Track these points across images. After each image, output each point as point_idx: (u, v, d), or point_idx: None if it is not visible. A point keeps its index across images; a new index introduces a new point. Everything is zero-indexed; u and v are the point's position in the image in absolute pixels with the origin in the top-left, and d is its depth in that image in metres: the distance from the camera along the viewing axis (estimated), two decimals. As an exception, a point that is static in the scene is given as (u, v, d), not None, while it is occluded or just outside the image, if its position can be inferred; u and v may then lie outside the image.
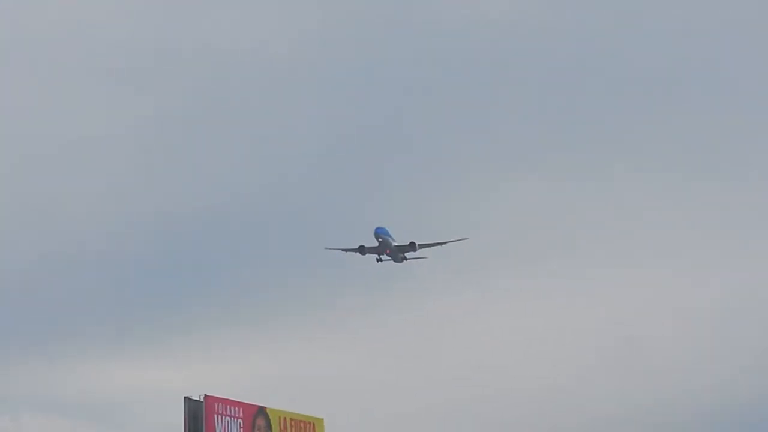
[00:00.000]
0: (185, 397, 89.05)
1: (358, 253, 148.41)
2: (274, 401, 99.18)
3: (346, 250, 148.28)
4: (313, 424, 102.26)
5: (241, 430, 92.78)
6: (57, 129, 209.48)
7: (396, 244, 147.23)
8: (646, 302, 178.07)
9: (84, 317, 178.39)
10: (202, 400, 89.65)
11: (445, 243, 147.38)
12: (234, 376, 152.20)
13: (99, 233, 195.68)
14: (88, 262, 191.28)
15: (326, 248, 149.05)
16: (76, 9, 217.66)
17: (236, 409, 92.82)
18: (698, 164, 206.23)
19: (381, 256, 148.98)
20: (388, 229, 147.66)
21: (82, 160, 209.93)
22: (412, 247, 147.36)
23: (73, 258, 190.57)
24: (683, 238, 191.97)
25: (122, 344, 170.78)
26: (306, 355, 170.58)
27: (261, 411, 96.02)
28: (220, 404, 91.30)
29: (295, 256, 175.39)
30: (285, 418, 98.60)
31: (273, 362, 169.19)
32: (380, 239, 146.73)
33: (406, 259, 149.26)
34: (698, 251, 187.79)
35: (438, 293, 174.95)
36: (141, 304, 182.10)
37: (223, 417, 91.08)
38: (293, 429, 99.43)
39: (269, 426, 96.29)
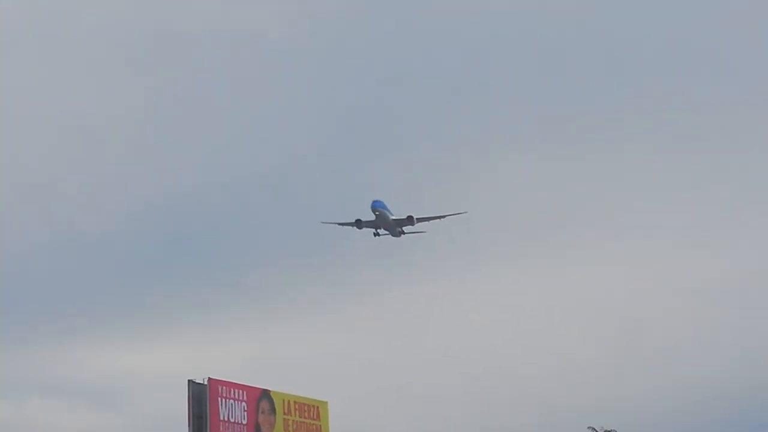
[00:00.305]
0: (189, 381, 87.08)
1: (354, 228, 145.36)
2: (277, 384, 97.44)
3: (343, 224, 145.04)
4: (318, 408, 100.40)
5: (246, 413, 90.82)
6: (54, 111, 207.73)
7: (393, 217, 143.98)
8: (646, 282, 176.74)
9: (84, 300, 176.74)
10: (206, 383, 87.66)
11: (444, 217, 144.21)
12: (232, 359, 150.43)
13: (99, 215, 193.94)
14: (89, 245, 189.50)
15: (322, 222, 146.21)
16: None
17: (240, 392, 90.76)
18: (702, 141, 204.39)
19: (378, 230, 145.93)
20: (385, 202, 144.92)
21: (80, 143, 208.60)
22: (410, 220, 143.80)
23: (74, 241, 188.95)
24: (686, 217, 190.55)
25: (124, 327, 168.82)
26: (305, 336, 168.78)
27: (265, 394, 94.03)
28: (224, 387, 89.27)
29: (293, 232, 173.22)
30: (289, 401, 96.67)
31: (273, 344, 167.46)
32: (377, 213, 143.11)
33: (404, 233, 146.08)
34: (701, 230, 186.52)
35: (435, 271, 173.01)
36: (142, 287, 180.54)
37: (227, 400, 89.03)
38: (298, 412, 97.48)
39: (273, 409, 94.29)
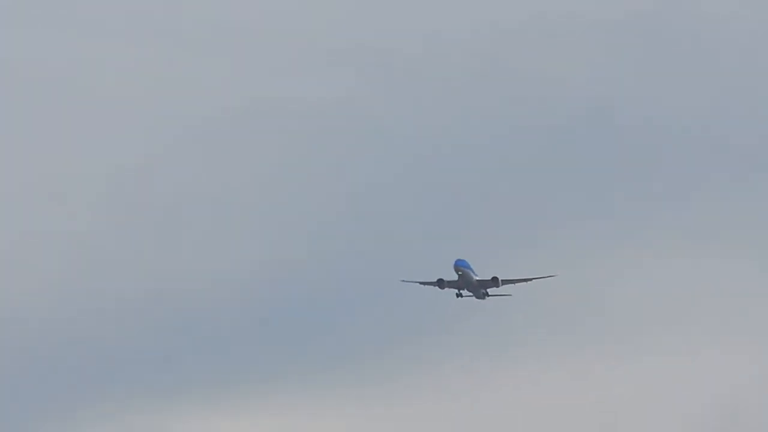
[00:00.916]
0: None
1: (436, 287, 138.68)
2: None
3: (424, 284, 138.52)
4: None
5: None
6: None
7: (477, 278, 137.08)
8: (752, 378, 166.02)
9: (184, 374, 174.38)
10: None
11: (530, 279, 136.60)
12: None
13: (191, 289, 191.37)
14: (187, 320, 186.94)
15: (402, 281, 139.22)
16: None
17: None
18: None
19: (461, 291, 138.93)
20: (469, 262, 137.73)
21: (159, 223, 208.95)
22: (494, 282, 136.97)
23: (172, 317, 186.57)
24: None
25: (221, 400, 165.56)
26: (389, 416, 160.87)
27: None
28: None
29: (374, 293, 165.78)
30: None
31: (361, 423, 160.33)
32: (460, 272, 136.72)
33: (488, 295, 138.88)
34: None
35: (520, 347, 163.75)
36: (236, 362, 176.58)
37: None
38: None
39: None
